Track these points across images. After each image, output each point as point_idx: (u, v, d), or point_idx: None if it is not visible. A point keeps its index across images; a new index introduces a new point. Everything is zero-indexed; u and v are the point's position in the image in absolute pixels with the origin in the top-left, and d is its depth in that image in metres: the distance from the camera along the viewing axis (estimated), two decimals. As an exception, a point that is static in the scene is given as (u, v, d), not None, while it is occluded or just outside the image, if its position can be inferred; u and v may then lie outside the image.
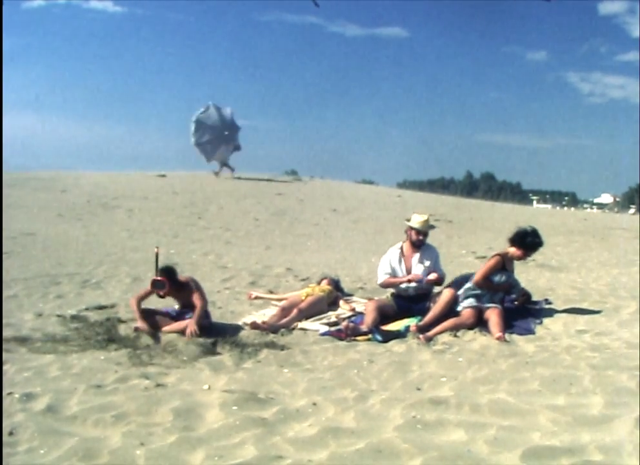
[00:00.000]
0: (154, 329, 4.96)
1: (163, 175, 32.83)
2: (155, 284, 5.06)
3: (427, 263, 5.64)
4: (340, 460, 2.75)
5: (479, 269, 5.51)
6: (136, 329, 4.95)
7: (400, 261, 5.68)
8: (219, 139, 33.83)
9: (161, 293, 5.10)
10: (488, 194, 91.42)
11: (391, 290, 5.77)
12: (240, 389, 3.65)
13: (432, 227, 5.90)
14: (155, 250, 5.49)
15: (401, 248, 5.77)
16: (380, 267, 5.77)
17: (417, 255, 5.67)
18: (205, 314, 5.15)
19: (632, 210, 69.56)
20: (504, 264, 5.42)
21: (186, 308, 5.19)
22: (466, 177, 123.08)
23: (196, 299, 5.09)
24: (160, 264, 5.36)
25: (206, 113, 34.08)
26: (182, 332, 4.89)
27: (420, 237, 5.66)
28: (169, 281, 5.07)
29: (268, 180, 34.02)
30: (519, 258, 5.53)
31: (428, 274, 5.58)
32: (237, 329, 5.23)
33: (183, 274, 5.64)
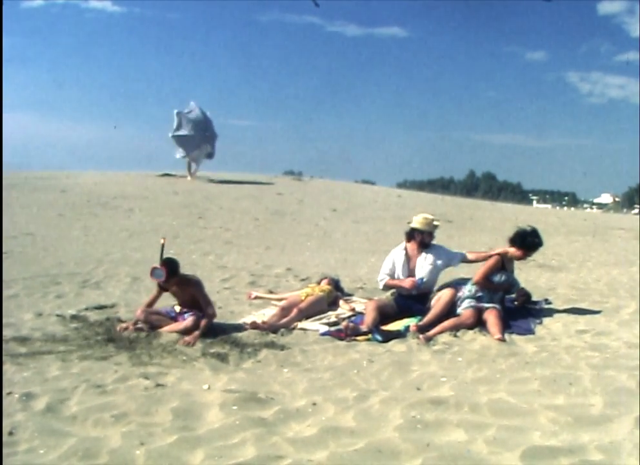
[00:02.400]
0: (153, 329, 4.97)
1: (164, 175, 32.77)
2: (153, 272, 5.06)
3: (438, 262, 5.62)
4: (340, 460, 2.75)
5: (478, 270, 5.51)
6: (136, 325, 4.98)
7: (404, 263, 5.66)
8: (200, 136, 32.09)
9: (160, 282, 5.10)
10: (488, 193, 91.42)
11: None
12: (240, 389, 3.65)
13: (436, 226, 5.75)
14: (162, 241, 5.46)
15: (405, 249, 5.75)
16: (383, 268, 5.75)
17: (424, 255, 5.65)
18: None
19: (636, 210, 69.73)
20: (503, 264, 5.42)
21: (186, 307, 5.19)
22: (469, 176, 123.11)
23: (205, 305, 5.09)
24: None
25: (189, 109, 33.05)
26: (182, 332, 4.89)
27: (430, 238, 5.66)
28: (168, 271, 5.04)
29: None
30: (519, 258, 5.53)
31: (437, 272, 5.63)
32: (237, 328, 5.22)
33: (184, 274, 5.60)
